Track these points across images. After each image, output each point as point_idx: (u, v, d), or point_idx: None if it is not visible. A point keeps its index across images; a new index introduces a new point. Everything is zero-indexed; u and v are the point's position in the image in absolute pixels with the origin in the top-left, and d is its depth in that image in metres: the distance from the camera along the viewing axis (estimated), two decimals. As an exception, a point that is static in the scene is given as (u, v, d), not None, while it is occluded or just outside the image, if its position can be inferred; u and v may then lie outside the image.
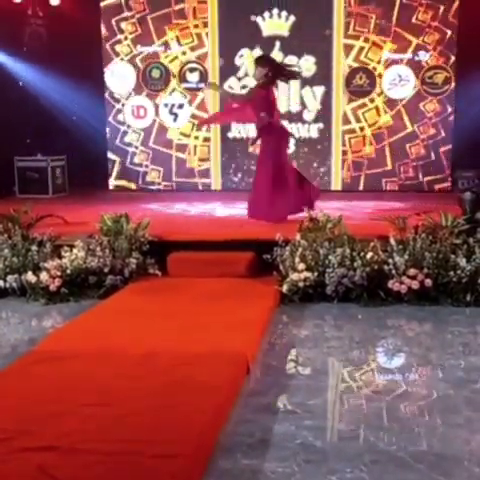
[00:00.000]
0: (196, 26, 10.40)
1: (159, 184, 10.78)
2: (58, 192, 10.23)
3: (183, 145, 10.69)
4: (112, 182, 10.86)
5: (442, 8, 9.94)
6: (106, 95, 10.68)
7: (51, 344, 4.45)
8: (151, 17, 10.41)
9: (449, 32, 9.98)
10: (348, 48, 10.20)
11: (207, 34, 10.39)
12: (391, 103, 10.30)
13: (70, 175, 10.51)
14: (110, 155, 10.79)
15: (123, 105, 10.72)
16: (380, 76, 10.23)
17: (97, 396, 3.51)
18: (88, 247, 6.01)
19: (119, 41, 10.54)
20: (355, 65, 10.23)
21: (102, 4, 10.44)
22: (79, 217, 7.39)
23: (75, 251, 5.96)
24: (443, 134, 10.23)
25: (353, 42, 10.17)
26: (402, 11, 9.99)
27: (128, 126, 10.73)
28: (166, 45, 10.47)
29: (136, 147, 10.75)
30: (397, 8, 9.99)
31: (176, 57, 10.53)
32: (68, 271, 5.82)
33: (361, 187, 10.45)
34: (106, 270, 5.90)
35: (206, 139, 10.66)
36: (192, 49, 10.48)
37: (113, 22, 10.47)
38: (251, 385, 3.95)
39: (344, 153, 10.42)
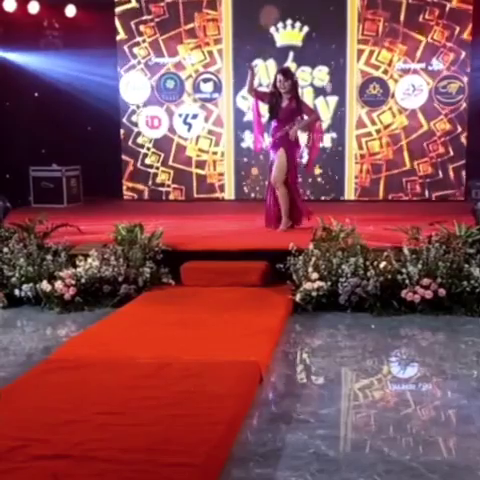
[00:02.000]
0: (207, 44, 10.47)
1: (169, 186, 10.85)
2: (73, 202, 10.30)
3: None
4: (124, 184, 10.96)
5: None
6: (121, 105, 10.77)
7: (65, 353, 4.48)
8: (162, 38, 10.48)
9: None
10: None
11: (219, 51, 10.47)
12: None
13: (85, 185, 10.59)
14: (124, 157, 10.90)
15: (137, 115, 10.80)
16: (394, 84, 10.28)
17: (111, 405, 3.53)
18: (102, 256, 6.05)
19: (136, 43, 10.62)
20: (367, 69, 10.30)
21: (117, 9, 10.53)
22: (94, 226, 7.44)
23: (89, 260, 6.00)
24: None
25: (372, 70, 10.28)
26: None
27: (142, 135, 10.83)
28: (180, 61, 10.57)
29: (157, 168, 10.85)
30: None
31: (190, 67, 10.61)
32: (82, 280, 5.87)
33: (376, 195, 10.47)
34: (120, 279, 5.94)
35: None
36: (204, 66, 10.56)
37: (132, 25, 10.56)
38: (264, 394, 3.96)
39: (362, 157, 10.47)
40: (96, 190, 10.45)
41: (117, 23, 10.54)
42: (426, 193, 10.41)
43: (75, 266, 5.99)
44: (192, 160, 10.80)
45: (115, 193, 10.79)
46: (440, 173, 10.35)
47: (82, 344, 4.70)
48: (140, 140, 10.85)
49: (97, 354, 4.40)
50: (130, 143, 10.89)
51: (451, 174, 10.34)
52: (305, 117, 7.45)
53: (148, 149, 10.85)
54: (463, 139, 10.26)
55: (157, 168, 10.86)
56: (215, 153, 10.76)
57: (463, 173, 10.30)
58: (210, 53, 10.55)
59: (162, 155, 10.83)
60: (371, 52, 10.23)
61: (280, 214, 7.46)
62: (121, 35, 10.58)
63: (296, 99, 7.35)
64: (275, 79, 7.41)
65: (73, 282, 5.84)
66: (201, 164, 10.80)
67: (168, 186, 10.88)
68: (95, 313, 5.69)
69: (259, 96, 7.62)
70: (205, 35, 10.48)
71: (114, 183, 10.82)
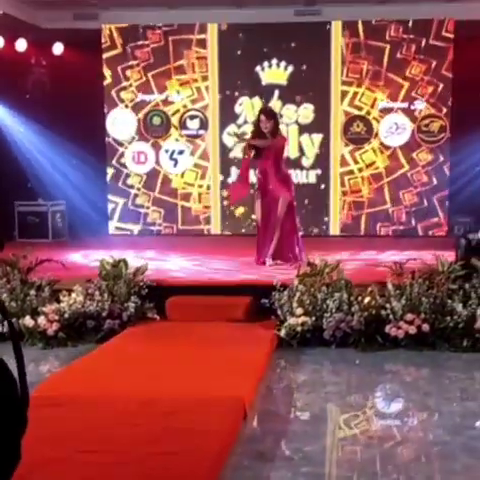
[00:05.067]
0: (195, 80, 10.63)
1: (160, 225, 10.86)
2: (58, 237, 10.29)
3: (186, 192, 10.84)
4: (113, 224, 10.94)
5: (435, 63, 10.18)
6: (107, 141, 10.83)
7: (48, 389, 4.43)
8: (152, 74, 10.62)
9: (441, 85, 10.21)
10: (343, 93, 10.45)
11: (206, 88, 10.61)
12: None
13: (70, 220, 10.59)
14: (111, 197, 10.90)
15: (124, 151, 10.87)
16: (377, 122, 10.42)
17: (93, 443, 3.49)
18: (87, 291, 6.04)
19: (123, 88, 10.72)
20: (350, 110, 10.44)
21: (104, 56, 10.66)
22: (78, 261, 7.43)
23: (73, 295, 5.98)
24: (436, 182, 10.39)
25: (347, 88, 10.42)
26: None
27: (129, 171, 10.86)
28: (167, 97, 10.69)
29: (138, 189, 10.87)
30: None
31: (177, 107, 10.72)
32: (66, 315, 5.84)
33: (358, 231, 10.54)
34: (104, 314, 5.92)
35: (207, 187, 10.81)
36: (192, 102, 10.68)
37: (119, 69, 10.69)
38: (248, 431, 3.93)
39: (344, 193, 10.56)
40: (81, 225, 10.44)
41: (104, 66, 10.68)
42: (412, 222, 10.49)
43: (59, 301, 5.97)
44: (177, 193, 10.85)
45: (100, 227, 10.78)
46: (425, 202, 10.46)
47: (65, 380, 4.66)
48: (129, 180, 10.89)
49: (80, 390, 4.36)
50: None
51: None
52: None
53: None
54: (446, 170, 10.40)
55: (138, 189, 10.87)
56: (201, 186, 10.80)
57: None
58: (198, 89, 10.68)
59: (143, 177, 10.85)
60: (355, 93, 10.39)
61: (273, 249, 7.42)
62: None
63: (276, 137, 7.43)
64: (257, 119, 7.53)
65: (56, 317, 5.81)
66: (187, 197, 10.83)
67: (147, 207, 10.86)
68: (78, 349, 5.65)
69: (251, 148, 7.63)
70: (193, 72, 10.61)
71: (99, 218, 10.81)
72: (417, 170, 10.41)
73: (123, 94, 10.74)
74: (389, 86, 10.31)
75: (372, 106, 10.38)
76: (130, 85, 10.71)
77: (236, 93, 10.54)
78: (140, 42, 10.59)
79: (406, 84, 10.27)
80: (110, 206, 10.90)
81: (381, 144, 10.42)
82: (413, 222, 10.47)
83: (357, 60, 10.32)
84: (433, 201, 10.44)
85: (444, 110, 10.28)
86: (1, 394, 1.89)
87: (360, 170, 10.51)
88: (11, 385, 1.92)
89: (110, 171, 10.85)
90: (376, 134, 10.39)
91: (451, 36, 10.04)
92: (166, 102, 10.73)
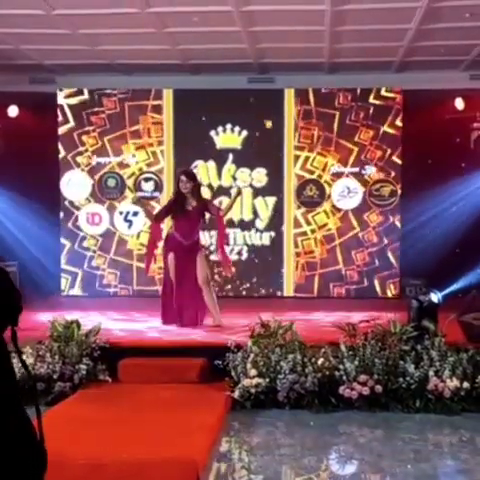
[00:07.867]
0: (151, 145, 10.78)
1: (116, 286, 10.76)
2: (8, 297, 10.09)
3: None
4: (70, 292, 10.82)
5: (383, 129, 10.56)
6: (62, 202, 10.80)
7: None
8: (107, 138, 10.74)
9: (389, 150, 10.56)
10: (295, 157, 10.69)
11: (162, 152, 10.74)
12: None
13: (22, 280, 10.42)
14: (66, 266, 10.80)
15: (78, 213, 10.84)
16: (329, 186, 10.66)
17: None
18: (37, 353, 5.92)
19: (79, 152, 10.77)
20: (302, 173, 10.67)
21: (60, 130, 10.75)
22: (29, 322, 7.28)
23: (23, 357, 5.84)
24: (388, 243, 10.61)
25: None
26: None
27: (85, 233, 10.82)
28: (122, 161, 10.78)
29: (94, 251, 10.80)
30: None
31: (132, 170, 10.81)
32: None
33: (312, 292, 10.62)
34: (55, 376, 5.80)
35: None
36: (148, 165, 10.79)
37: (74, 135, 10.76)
38: (201, 495, 3.87)
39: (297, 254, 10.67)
40: (33, 285, 10.28)
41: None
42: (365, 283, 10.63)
43: (8, 363, 5.82)
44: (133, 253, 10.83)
45: (53, 289, 10.63)
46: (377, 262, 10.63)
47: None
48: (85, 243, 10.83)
49: (28, 455, 4.22)
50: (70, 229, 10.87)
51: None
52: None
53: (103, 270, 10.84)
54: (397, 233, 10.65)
55: (94, 251, 10.80)
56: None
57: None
58: (154, 153, 10.81)
59: (99, 240, 10.81)
60: (307, 158, 10.65)
61: (184, 312, 7.51)
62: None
63: (200, 200, 7.60)
64: (178, 180, 7.68)
65: (5, 380, 5.65)
66: (142, 258, 10.79)
67: (103, 270, 10.78)
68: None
69: (163, 215, 7.84)
70: (149, 136, 10.76)
71: (52, 279, 10.68)
72: (368, 231, 10.64)
73: (79, 157, 10.80)
74: (340, 151, 10.62)
75: (323, 170, 10.65)
76: (86, 150, 10.78)
77: (191, 157, 10.70)
78: (96, 109, 10.71)
79: (356, 149, 10.60)
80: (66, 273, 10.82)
81: (333, 207, 10.65)
82: (365, 283, 10.63)
83: (308, 126, 10.61)
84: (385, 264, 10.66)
85: (393, 174, 10.61)
86: (29, 435, 2.55)
87: (313, 231, 10.70)
88: (33, 428, 2.58)
89: (64, 241, 10.78)
90: (329, 196, 10.62)
91: (399, 106, 10.45)
92: (121, 165, 10.83)
